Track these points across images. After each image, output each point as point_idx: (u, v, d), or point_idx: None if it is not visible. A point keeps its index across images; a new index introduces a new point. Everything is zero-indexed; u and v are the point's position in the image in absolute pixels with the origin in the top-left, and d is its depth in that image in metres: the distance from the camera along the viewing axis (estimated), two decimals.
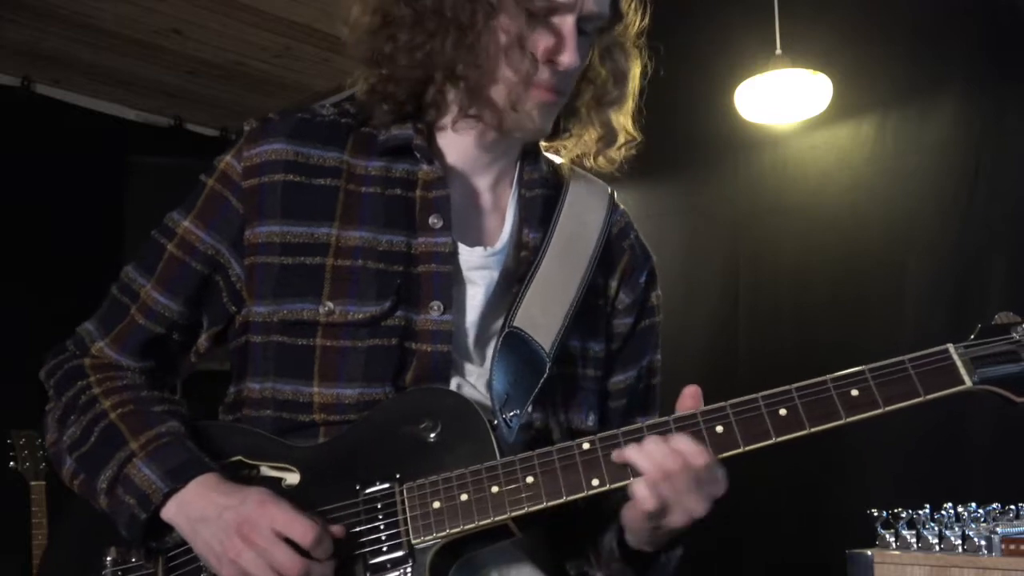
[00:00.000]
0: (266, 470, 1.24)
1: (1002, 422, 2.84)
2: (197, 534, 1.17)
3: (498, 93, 1.27)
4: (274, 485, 1.23)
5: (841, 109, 3.33)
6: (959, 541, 2.23)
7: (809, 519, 3.20)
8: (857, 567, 2.35)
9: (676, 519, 1.15)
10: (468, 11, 1.25)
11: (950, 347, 1.15)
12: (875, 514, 2.38)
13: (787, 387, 1.15)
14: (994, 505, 2.36)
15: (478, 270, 1.33)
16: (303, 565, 1.11)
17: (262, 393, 1.29)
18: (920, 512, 2.34)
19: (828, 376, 1.15)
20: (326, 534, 1.14)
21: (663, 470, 1.11)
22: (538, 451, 1.17)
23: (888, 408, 1.13)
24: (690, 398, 1.19)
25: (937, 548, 2.26)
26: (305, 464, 1.23)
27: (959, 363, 1.14)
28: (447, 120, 1.35)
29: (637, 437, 1.16)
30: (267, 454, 1.24)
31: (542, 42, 1.26)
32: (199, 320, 1.37)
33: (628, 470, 1.15)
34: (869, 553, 2.34)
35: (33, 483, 3.37)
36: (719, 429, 1.14)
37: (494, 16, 1.25)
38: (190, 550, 1.21)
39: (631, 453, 1.14)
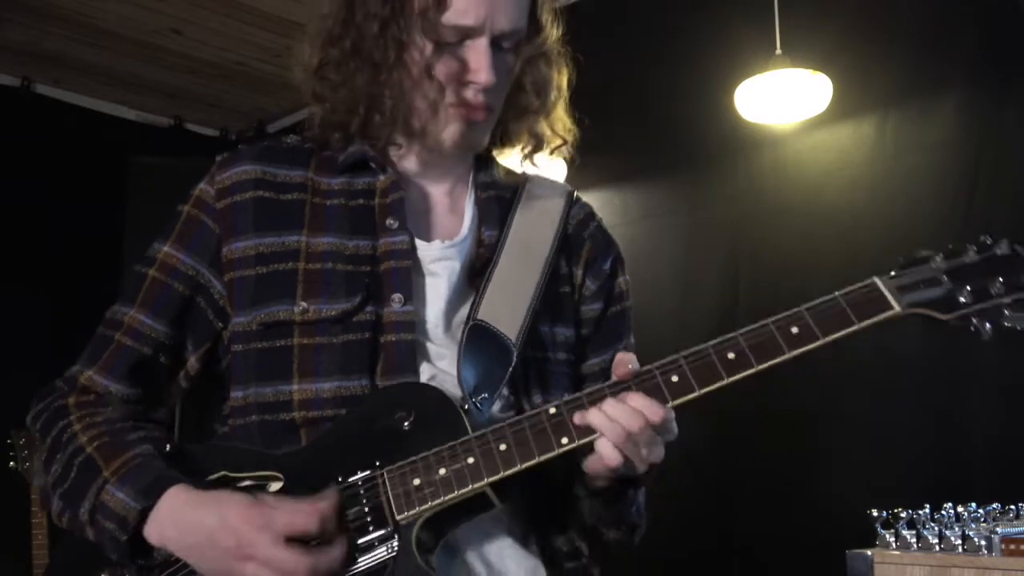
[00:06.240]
0: (251, 480, 1.27)
1: (1002, 422, 2.84)
2: (200, 562, 1.19)
3: (419, 120, 1.36)
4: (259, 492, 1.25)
5: (841, 109, 3.33)
6: (959, 541, 2.23)
7: (809, 519, 3.20)
8: (857, 567, 2.35)
9: (638, 468, 1.22)
10: (381, 48, 1.34)
11: (876, 279, 1.23)
12: (875, 514, 2.38)
13: (733, 333, 1.22)
14: (994, 505, 2.37)
15: (438, 262, 1.39)
16: (309, 563, 1.13)
17: (245, 400, 1.33)
18: (920, 512, 2.34)
19: (769, 319, 1.22)
20: (327, 509, 1.17)
21: (626, 430, 1.18)
22: (508, 420, 1.22)
23: (827, 339, 1.20)
24: (622, 365, 1.24)
25: (937, 548, 2.26)
26: (287, 468, 1.26)
27: (886, 292, 1.22)
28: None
29: (600, 398, 1.21)
30: (250, 464, 1.28)
31: (460, 65, 1.33)
32: (184, 342, 1.40)
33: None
34: (869, 553, 2.34)
35: (33, 483, 3.37)
36: (674, 378, 1.22)
37: (404, 50, 1.34)
38: (183, 564, 1.23)
39: (594, 417, 1.19)
